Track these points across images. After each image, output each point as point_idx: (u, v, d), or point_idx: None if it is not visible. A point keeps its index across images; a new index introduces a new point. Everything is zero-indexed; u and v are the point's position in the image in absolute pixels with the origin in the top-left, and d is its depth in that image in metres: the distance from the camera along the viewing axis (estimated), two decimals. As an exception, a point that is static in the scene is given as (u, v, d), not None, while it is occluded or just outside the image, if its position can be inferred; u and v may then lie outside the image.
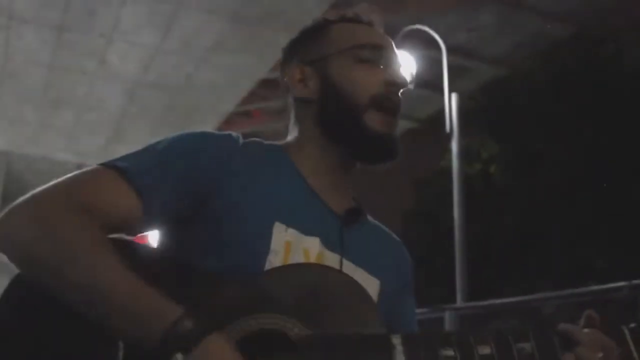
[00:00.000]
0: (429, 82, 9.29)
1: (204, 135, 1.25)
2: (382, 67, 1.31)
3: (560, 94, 12.85)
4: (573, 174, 12.33)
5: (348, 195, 1.35)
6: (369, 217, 1.39)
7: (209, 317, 1.02)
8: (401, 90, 1.32)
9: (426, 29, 7.83)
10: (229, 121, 11.47)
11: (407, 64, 8.07)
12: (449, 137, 7.34)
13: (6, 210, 1.08)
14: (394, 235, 1.45)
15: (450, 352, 1.08)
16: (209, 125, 10.72)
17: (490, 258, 13.10)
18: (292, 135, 1.35)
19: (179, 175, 1.17)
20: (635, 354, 1.15)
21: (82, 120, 10.50)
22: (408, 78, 1.34)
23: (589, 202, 11.91)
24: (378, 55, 1.32)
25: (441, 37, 7.74)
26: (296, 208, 1.23)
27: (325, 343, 1.03)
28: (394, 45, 1.38)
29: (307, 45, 1.36)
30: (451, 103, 7.31)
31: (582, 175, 12.14)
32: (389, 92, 1.29)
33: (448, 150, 7.74)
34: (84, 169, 1.16)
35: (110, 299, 1.00)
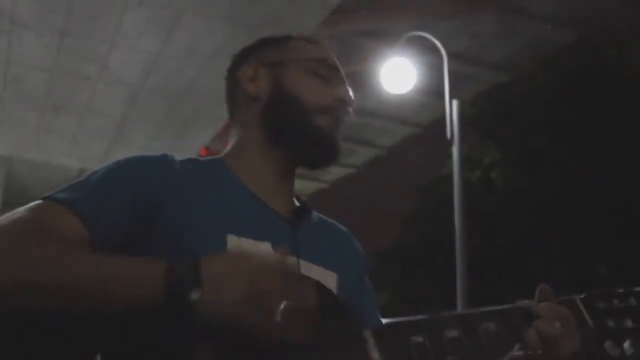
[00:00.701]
0: (430, 88, 9.30)
1: (139, 160, 1.26)
2: (334, 84, 1.37)
3: (561, 99, 12.85)
4: (575, 178, 12.33)
5: (291, 196, 1.39)
6: (315, 213, 1.42)
7: None
8: (348, 109, 1.38)
9: (427, 35, 7.84)
10: (229, 126, 11.48)
11: (407, 70, 8.08)
12: (450, 143, 7.34)
13: None
14: (342, 227, 1.49)
15: (419, 339, 1.11)
16: (209, 129, 10.73)
17: (492, 263, 13.09)
18: (232, 140, 1.40)
19: (119, 200, 1.17)
20: (589, 321, 1.24)
21: (84, 125, 10.51)
22: (353, 100, 1.40)
23: (591, 207, 11.90)
24: (331, 74, 1.39)
25: (442, 43, 7.75)
26: (244, 216, 1.25)
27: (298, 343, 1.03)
28: (342, 70, 1.44)
29: (264, 50, 1.42)
30: (452, 109, 7.32)
31: (584, 180, 12.15)
32: (336, 107, 1.36)
33: (449, 156, 7.74)
34: (24, 207, 1.15)
35: (99, 278, 1.00)
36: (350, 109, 1.38)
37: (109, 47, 8.26)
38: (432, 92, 9.61)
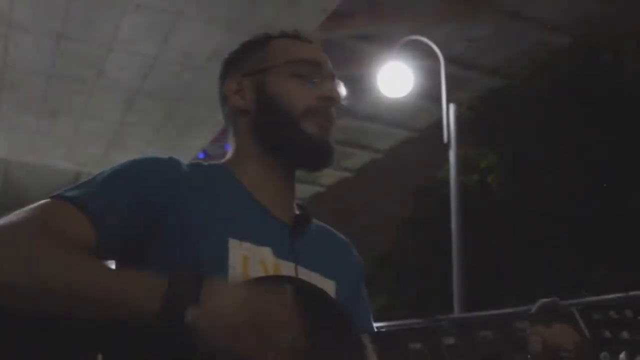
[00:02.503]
0: (427, 92, 9.32)
1: (147, 161, 1.26)
2: (316, 82, 1.34)
3: (558, 103, 12.89)
4: (571, 182, 12.36)
5: (292, 203, 1.38)
6: (315, 221, 1.42)
7: None
8: (333, 106, 1.35)
9: (424, 39, 7.86)
10: (226, 130, 11.48)
11: (404, 74, 8.10)
12: (446, 147, 7.36)
13: None
14: (341, 235, 1.48)
15: (417, 346, 1.12)
16: (207, 133, 10.75)
17: (489, 267, 13.10)
18: (231, 149, 1.39)
19: (127, 200, 1.18)
20: (585, 331, 1.25)
21: (81, 128, 10.52)
22: (343, 94, 1.38)
23: (588, 210, 11.93)
24: (313, 71, 1.35)
25: (439, 47, 7.76)
26: (246, 221, 1.25)
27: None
28: (330, 62, 1.40)
29: (245, 58, 1.40)
30: (449, 113, 7.33)
31: (581, 184, 12.17)
32: (323, 106, 1.33)
33: (446, 160, 7.76)
34: (34, 205, 1.15)
35: (100, 286, 1.00)
36: (335, 105, 1.35)
37: (106, 51, 8.28)
38: (429, 96, 9.62)
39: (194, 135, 10.67)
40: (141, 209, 1.18)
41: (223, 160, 1.39)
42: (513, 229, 13.32)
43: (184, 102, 9.56)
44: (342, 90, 1.39)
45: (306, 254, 1.30)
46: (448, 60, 7.98)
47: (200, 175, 1.29)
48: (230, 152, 1.39)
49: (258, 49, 1.40)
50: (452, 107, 7.36)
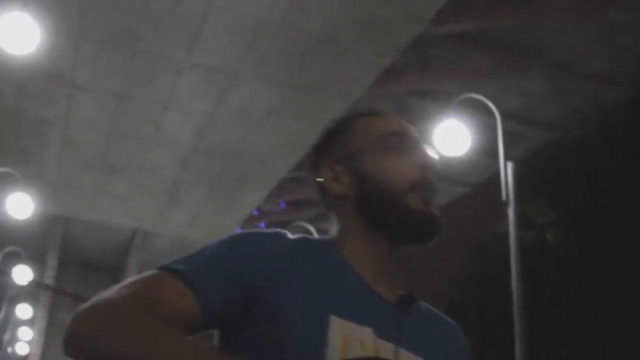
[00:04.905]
0: (480, 147, 9.25)
1: (253, 235, 1.28)
2: (411, 152, 1.34)
3: (615, 158, 12.66)
4: (630, 239, 12.04)
5: (399, 283, 1.35)
6: (423, 303, 1.39)
7: None
8: (433, 174, 1.34)
9: (479, 97, 7.81)
10: (281, 186, 11.55)
11: (461, 132, 8.03)
12: (504, 204, 7.23)
13: (74, 319, 1.12)
14: (449, 319, 1.44)
15: None
16: (262, 190, 10.82)
17: (548, 325, 12.76)
18: (335, 231, 1.38)
19: (232, 276, 1.20)
20: None
21: (138, 185, 10.71)
22: (436, 157, 1.37)
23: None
24: (404, 142, 1.36)
25: (493, 102, 7.71)
26: (349, 300, 1.24)
27: None
28: (415, 130, 1.41)
29: (333, 145, 1.40)
30: (507, 171, 7.22)
31: (632, 251, 11.86)
32: (425, 175, 1.32)
33: (503, 216, 7.63)
34: (141, 274, 1.20)
35: None
36: (434, 171, 1.33)
37: (162, 109, 8.46)
38: (482, 151, 9.55)
39: (249, 192, 10.74)
40: (244, 285, 1.20)
41: (328, 238, 1.39)
42: (574, 284, 13.00)
43: (239, 159, 9.66)
44: (434, 153, 1.38)
45: (410, 335, 1.26)
46: (502, 115, 7.92)
47: (305, 250, 1.29)
48: (334, 233, 1.38)
49: (342, 134, 1.40)
50: (510, 165, 7.24)
